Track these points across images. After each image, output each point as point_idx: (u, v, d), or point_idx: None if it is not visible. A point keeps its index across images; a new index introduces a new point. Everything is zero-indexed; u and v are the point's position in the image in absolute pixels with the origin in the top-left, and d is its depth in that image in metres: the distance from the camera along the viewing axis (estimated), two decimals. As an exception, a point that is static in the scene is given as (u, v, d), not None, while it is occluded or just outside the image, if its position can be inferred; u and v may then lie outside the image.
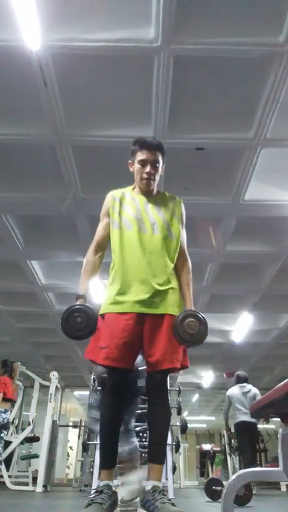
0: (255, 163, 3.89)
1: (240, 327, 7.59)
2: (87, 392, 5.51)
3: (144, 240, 1.93)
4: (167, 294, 1.88)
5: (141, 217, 1.98)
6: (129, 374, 1.86)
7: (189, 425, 5.88)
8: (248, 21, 2.79)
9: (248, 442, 5.36)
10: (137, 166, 2.02)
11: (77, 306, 1.88)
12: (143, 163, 1.99)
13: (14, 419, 7.24)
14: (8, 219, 4.73)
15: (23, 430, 7.26)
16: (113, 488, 1.69)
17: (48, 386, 6.84)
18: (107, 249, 2.06)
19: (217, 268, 5.76)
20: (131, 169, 2.08)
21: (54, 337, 8.30)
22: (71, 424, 12.49)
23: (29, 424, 6.88)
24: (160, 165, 2.04)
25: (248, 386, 5.64)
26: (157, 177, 2.05)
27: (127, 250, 1.92)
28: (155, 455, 1.80)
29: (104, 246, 2.06)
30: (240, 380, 5.80)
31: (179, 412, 5.55)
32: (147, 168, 1.98)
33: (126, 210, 2.01)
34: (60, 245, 5.27)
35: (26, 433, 6.82)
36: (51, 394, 6.68)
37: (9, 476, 6.42)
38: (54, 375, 6.87)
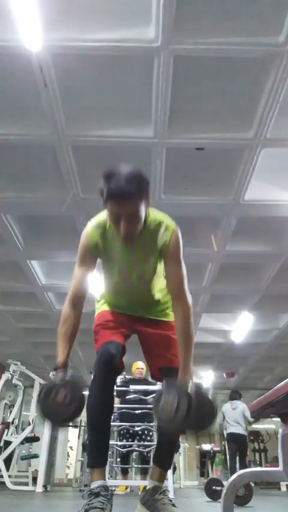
0: (255, 163, 3.88)
1: (240, 327, 7.59)
2: (87, 393, 5.49)
3: (130, 291, 1.75)
4: (159, 305, 1.80)
5: (126, 270, 1.70)
6: (120, 350, 1.67)
7: (189, 425, 5.90)
8: (248, 21, 2.78)
9: (234, 449, 6.65)
10: (109, 217, 1.57)
11: (59, 380, 1.48)
12: (115, 218, 1.53)
13: (14, 419, 7.24)
14: (8, 219, 4.73)
15: (23, 430, 7.26)
16: (109, 490, 1.52)
17: (48, 386, 6.82)
18: (86, 300, 1.72)
19: (217, 268, 5.76)
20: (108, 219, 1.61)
21: (54, 337, 8.21)
22: (70, 424, 12.48)
23: (29, 424, 6.88)
24: (142, 213, 1.54)
25: (237, 403, 6.69)
26: (139, 227, 1.57)
27: (114, 292, 1.79)
28: (163, 460, 1.73)
29: (84, 296, 1.70)
30: (232, 398, 6.86)
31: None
32: (122, 225, 1.51)
33: (109, 258, 1.70)
34: (60, 245, 5.27)
35: (26, 433, 6.81)
36: (51, 394, 6.66)
37: (9, 476, 6.42)
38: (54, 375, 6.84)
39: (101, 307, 1.86)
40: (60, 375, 1.50)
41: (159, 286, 1.78)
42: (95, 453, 1.60)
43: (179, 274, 1.64)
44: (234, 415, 6.58)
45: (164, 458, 1.75)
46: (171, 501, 1.60)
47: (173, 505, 1.56)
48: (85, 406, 1.56)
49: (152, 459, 1.78)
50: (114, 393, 5.48)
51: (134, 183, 1.48)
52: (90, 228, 1.68)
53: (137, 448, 4.97)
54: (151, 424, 4.80)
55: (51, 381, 1.49)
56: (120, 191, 1.46)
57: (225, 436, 7.02)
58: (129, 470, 5.90)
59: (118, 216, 1.51)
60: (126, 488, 5.38)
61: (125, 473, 5.65)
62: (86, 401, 1.59)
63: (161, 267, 1.72)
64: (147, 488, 1.67)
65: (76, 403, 1.46)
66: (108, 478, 4.78)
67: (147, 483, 1.70)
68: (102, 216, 1.67)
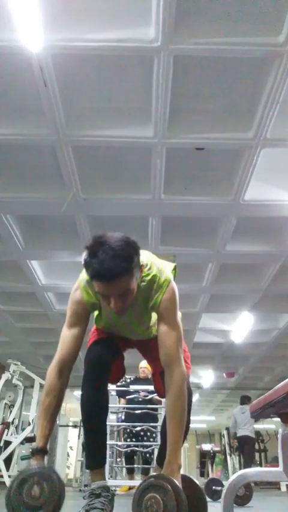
0: (255, 163, 3.88)
1: (240, 327, 7.59)
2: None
3: (124, 335, 1.75)
4: (150, 325, 1.70)
5: (119, 328, 1.68)
6: (112, 347, 1.64)
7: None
8: (248, 21, 2.78)
9: (244, 450, 7.50)
10: (97, 294, 1.43)
11: (35, 469, 1.28)
12: (104, 296, 1.39)
13: (14, 419, 7.24)
14: (8, 219, 4.72)
15: (23, 430, 7.25)
16: (110, 491, 1.48)
17: (48, 387, 6.82)
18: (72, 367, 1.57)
19: (217, 268, 5.76)
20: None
21: (54, 337, 8.26)
22: (71, 424, 12.48)
23: (29, 424, 6.87)
24: (132, 286, 1.39)
25: (246, 407, 7.08)
26: (131, 298, 1.42)
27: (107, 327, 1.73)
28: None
29: (73, 362, 1.54)
30: (242, 402, 7.50)
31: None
32: (112, 303, 1.38)
33: (102, 323, 1.68)
34: (60, 245, 5.27)
35: (26, 433, 6.81)
36: (51, 394, 6.66)
37: (9, 476, 6.41)
38: (54, 375, 6.84)
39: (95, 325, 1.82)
40: (37, 461, 1.34)
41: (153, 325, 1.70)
42: (93, 454, 1.57)
43: (172, 336, 1.46)
44: (243, 418, 7.29)
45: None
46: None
47: None
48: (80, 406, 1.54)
49: (155, 460, 1.71)
50: (114, 393, 5.51)
51: (122, 259, 1.30)
52: (82, 285, 1.53)
53: (137, 448, 4.97)
54: (153, 424, 4.81)
55: (24, 469, 1.29)
56: (106, 272, 1.29)
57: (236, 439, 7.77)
58: (135, 470, 5.87)
59: (107, 296, 1.37)
60: (131, 488, 5.36)
61: (130, 473, 5.63)
62: (80, 401, 1.58)
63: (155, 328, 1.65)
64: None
65: (53, 501, 1.25)
66: (109, 478, 4.78)
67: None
68: None
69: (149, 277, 1.50)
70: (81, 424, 8.78)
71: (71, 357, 1.52)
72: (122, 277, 1.31)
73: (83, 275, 1.51)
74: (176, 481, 1.24)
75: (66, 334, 1.54)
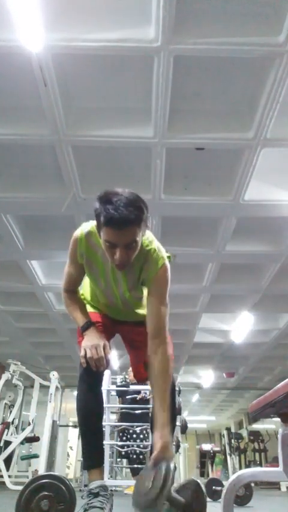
0: (255, 163, 3.88)
1: (240, 327, 7.59)
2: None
3: (113, 307, 1.76)
4: (140, 310, 1.75)
5: (110, 292, 1.68)
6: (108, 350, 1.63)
7: (189, 425, 5.89)
8: (248, 21, 2.78)
9: None
10: (104, 243, 1.47)
11: (45, 478, 1.39)
12: (111, 245, 1.43)
13: (14, 419, 7.24)
14: (8, 219, 4.72)
15: (23, 430, 7.25)
16: (109, 490, 1.50)
17: (48, 386, 6.84)
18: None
19: (217, 268, 5.76)
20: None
21: (54, 337, 8.30)
22: (71, 424, 12.48)
23: (29, 424, 6.87)
24: (139, 240, 1.46)
25: None
26: (135, 254, 1.48)
27: (96, 300, 1.78)
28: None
29: (77, 286, 1.79)
30: None
31: (179, 412, 5.55)
32: (117, 254, 1.43)
33: (94, 272, 1.66)
34: (61, 245, 5.26)
35: (26, 433, 6.81)
36: (51, 394, 6.68)
37: (9, 476, 6.41)
38: (54, 375, 6.86)
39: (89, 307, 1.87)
40: (93, 332, 1.56)
41: (144, 303, 1.70)
42: (90, 454, 1.58)
43: (162, 310, 1.53)
44: None
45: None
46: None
47: None
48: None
49: (150, 429, 1.72)
50: (114, 393, 5.52)
51: (135, 208, 1.38)
52: (80, 234, 1.61)
53: (129, 448, 4.97)
54: (145, 424, 4.83)
55: (36, 477, 1.31)
56: (120, 217, 1.35)
57: None
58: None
59: (114, 245, 1.41)
60: None
61: (134, 473, 5.59)
62: (76, 403, 1.59)
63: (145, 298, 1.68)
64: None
65: None
66: (108, 478, 4.78)
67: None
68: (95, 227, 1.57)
69: (148, 248, 1.56)
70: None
71: (76, 285, 1.75)
72: (133, 225, 1.38)
73: (86, 226, 1.61)
74: (166, 463, 1.24)
75: (68, 269, 1.74)
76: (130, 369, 5.61)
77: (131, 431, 5.02)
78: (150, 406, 5.02)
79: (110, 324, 1.80)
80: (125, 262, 1.44)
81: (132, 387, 5.20)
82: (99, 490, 1.45)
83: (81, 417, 1.57)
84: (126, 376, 5.74)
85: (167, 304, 1.57)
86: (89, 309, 1.81)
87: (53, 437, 6.93)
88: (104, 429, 4.27)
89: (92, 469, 1.55)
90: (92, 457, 1.57)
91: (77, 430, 11.46)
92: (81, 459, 7.60)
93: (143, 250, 1.54)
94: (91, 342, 1.54)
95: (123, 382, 5.60)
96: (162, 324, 1.52)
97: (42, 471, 6.32)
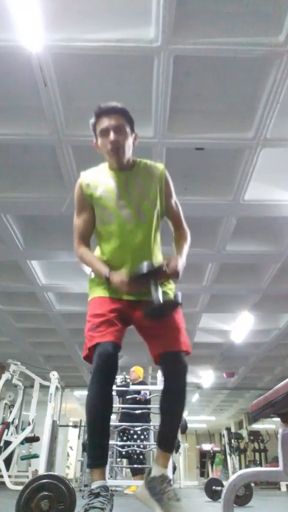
0: (255, 163, 3.88)
1: (240, 327, 7.59)
2: (87, 392, 5.49)
3: (129, 232, 1.71)
4: (161, 282, 1.70)
5: (123, 203, 1.72)
6: (118, 351, 1.64)
7: (189, 425, 5.90)
8: (248, 21, 2.78)
9: None
10: (99, 140, 1.74)
11: (45, 478, 1.46)
12: (105, 132, 1.71)
13: (14, 419, 7.24)
14: (8, 219, 4.73)
15: (23, 430, 7.25)
16: (109, 490, 1.50)
17: (48, 387, 6.83)
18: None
19: (217, 268, 5.76)
20: (98, 150, 1.80)
21: (54, 337, 8.30)
22: (71, 424, 12.48)
23: (29, 424, 6.87)
24: (128, 132, 1.72)
25: None
26: (127, 146, 1.73)
27: (112, 246, 1.72)
28: (167, 443, 1.66)
29: (90, 237, 1.82)
30: None
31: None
32: (111, 136, 1.69)
33: (104, 196, 1.73)
34: (60, 245, 5.27)
35: (26, 433, 6.80)
36: (51, 394, 6.67)
37: (9, 476, 6.41)
38: (54, 375, 6.86)
39: (96, 290, 1.77)
40: (116, 273, 1.63)
41: (159, 250, 1.80)
42: (95, 453, 1.58)
43: (177, 206, 1.86)
44: None
45: (168, 441, 1.68)
46: (176, 495, 1.55)
47: (178, 500, 1.53)
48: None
49: (156, 443, 1.74)
50: (114, 393, 5.51)
51: (121, 106, 1.76)
52: (81, 179, 1.81)
53: (129, 448, 4.97)
54: (146, 424, 4.83)
55: (37, 477, 1.42)
56: (108, 106, 1.73)
57: None
58: (144, 470, 5.81)
59: (107, 130, 1.70)
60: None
61: (135, 474, 5.57)
62: (86, 401, 1.59)
63: (161, 204, 1.79)
64: (153, 475, 1.62)
65: None
66: (109, 478, 4.78)
67: (154, 469, 1.64)
68: (94, 167, 1.84)
69: (144, 161, 1.84)
70: (81, 424, 8.80)
71: (87, 235, 1.79)
72: (120, 113, 1.72)
73: (82, 173, 1.84)
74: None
75: (77, 221, 1.79)
76: (132, 369, 5.62)
77: (131, 431, 5.02)
78: (150, 406, 5.04)
79: (123, 311, 1.71)
80: (117, 143, 1.69)
81: (133, 387, 5.20)
82: (100, 491, 1.45)
83: (90, 417, 1.59)
84: (127, 376, 5.74)
85: (177, 200, 1.87)
86: (100, 292, 1.74)
87: (53, 437, 6.93)
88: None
89: (94, 468, 1.55)
90: (96, 457, 1.57)
91: (76, 430, 11.47)
92: (82, 459, 7.61)
93: (143, 164, 1.82)
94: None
95: (123, 382, 5.60)
96: (180, 218, 1.87)
97: (42, 471, 6.32)
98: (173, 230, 1.89)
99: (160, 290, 1.60)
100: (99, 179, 1.77)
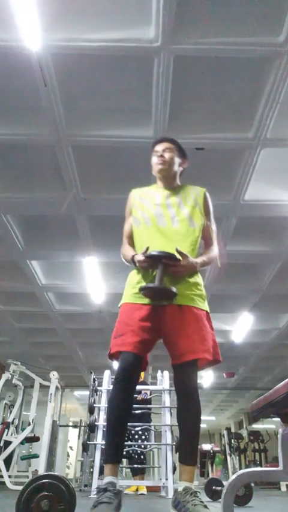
0: (255, 163, 3.88)
1: (240, 327, 7.59)
2: (87, 392, 5.50)
3: (163, 233, 1.91)
4: (187, 287, 1.82)
5: (161, 211, 1.97)
6: (139, 361, 1.75)
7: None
8: (248, 21, 2.78)
9: None
10: (152, 160, 2.09)
11: (45, 478, 1.46)
12: (155, 153, 2.07)
13: (14, 419, 7.23)
14: (8, 219, 4.72)
15: (23, 430, 7.25)
16: (117, 486, 1.58)
17: (48, 387, 6.83)
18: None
19: (217, 268, 5.76)
20: (153, 172, 2.12)
21: (54, 337, 8.30)
22: (71, 424, 12.48)
23: (29, 424, 6.87)
24: (175, 153, 2.07)
25: None
26: (173, 165, 2.06)
27: (148, 244, 1.85)
28: (188, 456, 1.73)
29: (131, 238, 2.08)
30: None
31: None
32: (159, 153, 2.05)
33: (146, 205, 2.01)
34: (60, 245, 5.27)
35: (26, 433, 6.80)
36: (51, 394, 6.68)
37: (9, 476, 6.41)
38: (54, 375, 6.86)
39: (127, 296, 1.87)
40: (140, 255, 1.81)
41: (191, 247, 1.91)
42: (109, 451, 1.70)
43: (211, 226, 2.07)
44: None
45: (189, 455, 1.75)
46: (202, 502, 1.56)
47: (205, 506, 1.53)
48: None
49: (178, 459, 1.79)
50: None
51: (172, 138, 2.15)
52: (133, 191, 2.15)
53: (130, 448, 4.97)
54: (146, 424, 4.83)
55: (37, 477, 1.49)
56: (161, 137, 2.20)
57: None
58: (144, 470, 5.79)
59: (157, 151, 2.05)
60: (137, 490, 5.32)
61: (135, 474, 5.55)
62: (107, 403, 1.76)
63: (197, 220, 1.97)
64: (177, 490, 1.66)
65: None
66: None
67: (178, 485, 1.69)
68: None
69: (190, 185, 2.15)
70: (81, 424, 8.78)
71: (130, 236, 2.05)
72: (168, 141, 2.10)
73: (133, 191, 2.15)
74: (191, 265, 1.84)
75: (126, 225, 2.09)
76: None
77: (132, 431, 5.02)
78: (150, 406, 5.03)
79: (151, 318, 1.78)
80: (163, 160, 2.03)
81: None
82: (107, 486, 1.54)
83: (111, 418, 1.72)
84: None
85: (214, 225, 2.09)
86: (133, 297, 1.84)
87: (53, 437, 6.93)
88: (104, 429, 4.28)
89: (109, 463, 1.66)
90: (112, 453, 1.69)
91: (76, 430, 11.47)
92: (82, 459, 7.59)
93: (188, 186, 2.13)
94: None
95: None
96: (212, 237, 2.05)
97: (42, 471, 6.32)
98: (204, 245, 2.07)
99: (160, 278, 1.75)
100: (147, 194, 2.08)
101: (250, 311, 7.06)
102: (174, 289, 1.73)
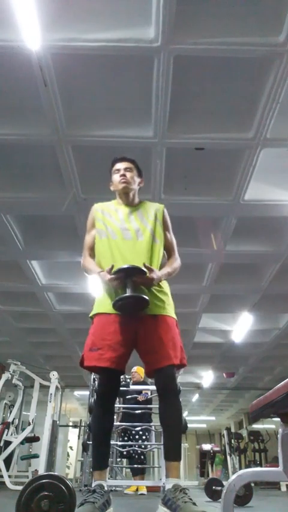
0: (255, 163, 3.88)
1: (240, 327, 7.59)
2: (87, 392, 5.50)
3: (129, 246, 1.98)
4: (156, 296, 1.92)
5: (125, 226, 2.04)
6: (120, 375, 1.91)
7: (189, 425, 5.90)
8: (248, 21, 2.79)
9: None
10: (113, 178, 2.18)
11: (45, 478, 1.49)
12: (117, 172, 2.16)
13: (14, 419, 7.24)
14: (8, 219, 4.72)
15: (23, 430, 7.25)
16: (105, 488, 1.72)
17: (48, 387, 6.84)
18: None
19: (217, 268, 5.76)
20: (112, 188, 2.21)
21: (54, 337, 8.30)
22: (71, 424, 12.49)
23: (29, 424, 6.87)
24: (134, 172, 2.17)
25: None
26: (133, 183, 2.15)
27: (113, 257, 1.96)
28: (171, 452, 1.82)
29: (93, 250, 2.14)
30: None
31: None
32: (121, 172, 2.14)
33: (109, 219, 2.09)
34: (60, 245, 5.27)
35: (26, 433, 6.80)
36: (51, 394, 6.68)
37: (9, 476, 6.41)
38: (54, 375, 6.87)
39: (101, 305, 1.94)
40: (105, 273, 1.87)
41: (156, 260, 1.99)
42: (99, 459, 1.86)
43: (171, 239, 2.17)
44: None
45: (173, 451, 1.83)
46: (191, 499, 1.60)
47: (194, 504, 1.56)
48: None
49: (163, 456, 1.88)
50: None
51: (131, 157, 2.23)
52: (95, 205, 2.22)
53: (130, 448, 4.97)
54: (146, 424, 4.82)
55: (35, 477, 1.53)
56: (121, 156, 2.24)
57: None
58: (144, 470, 5.78)
59: (118, 170, 2.15)
60: (137, 490, 5.32)
61: (135, 474, 5.54)
62: (91, 419, 1.98)
63: (158, 233, 2.06)
64: (166, 488, 1.70)
65: None
66: (109, 478, 4.78)
67: (166, 482, 1.75)
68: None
69: (150, 203, 2.22)
70: (81, 424, 8.79)
71: (92, 248, 2.12)
72: (128, 160, 2.20)
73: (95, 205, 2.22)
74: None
75: (87, 238, 2.17)
76: (134, 369, 5.61)
77: (133, 431, 5.02)
78: (151, 406, 5.03)
79: (126, 329, 1.87)
80: (125, 178, 2.12)
81: (133, 387, 5.20)
82: (96, 488, 1.69)
83: (95, 434, 1.91)
84: (127, 376, 5.74)
85: (174, 238, 2.19)
86: (105, 307, 1.91)
87: (53, 437, 6.93)
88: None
89: (96, 470, 1.83)
90: (99, 461, 1.85)
91: (76, 430, 11.46)
92: (82, 459, 7.61)
93: (147, 204, 2.19)
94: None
95: (123, 382, 5.60)
96: (174, 249, 2.15)
97: (42, 471, 6.32)
98: (167, 257, 2.15)
99: (131, 289, 1.82)
100: (110, 208, 2.15)
101: (250, 311, 7.07)
102: (146, 297, 1.82)
